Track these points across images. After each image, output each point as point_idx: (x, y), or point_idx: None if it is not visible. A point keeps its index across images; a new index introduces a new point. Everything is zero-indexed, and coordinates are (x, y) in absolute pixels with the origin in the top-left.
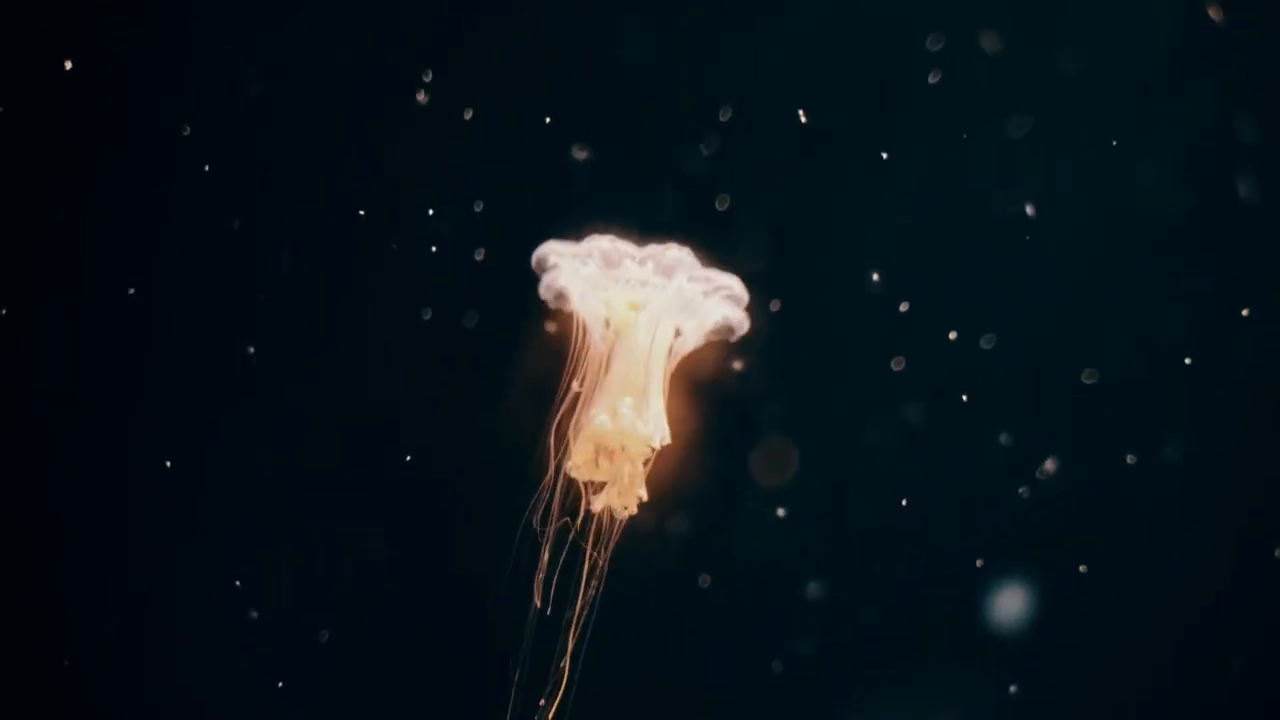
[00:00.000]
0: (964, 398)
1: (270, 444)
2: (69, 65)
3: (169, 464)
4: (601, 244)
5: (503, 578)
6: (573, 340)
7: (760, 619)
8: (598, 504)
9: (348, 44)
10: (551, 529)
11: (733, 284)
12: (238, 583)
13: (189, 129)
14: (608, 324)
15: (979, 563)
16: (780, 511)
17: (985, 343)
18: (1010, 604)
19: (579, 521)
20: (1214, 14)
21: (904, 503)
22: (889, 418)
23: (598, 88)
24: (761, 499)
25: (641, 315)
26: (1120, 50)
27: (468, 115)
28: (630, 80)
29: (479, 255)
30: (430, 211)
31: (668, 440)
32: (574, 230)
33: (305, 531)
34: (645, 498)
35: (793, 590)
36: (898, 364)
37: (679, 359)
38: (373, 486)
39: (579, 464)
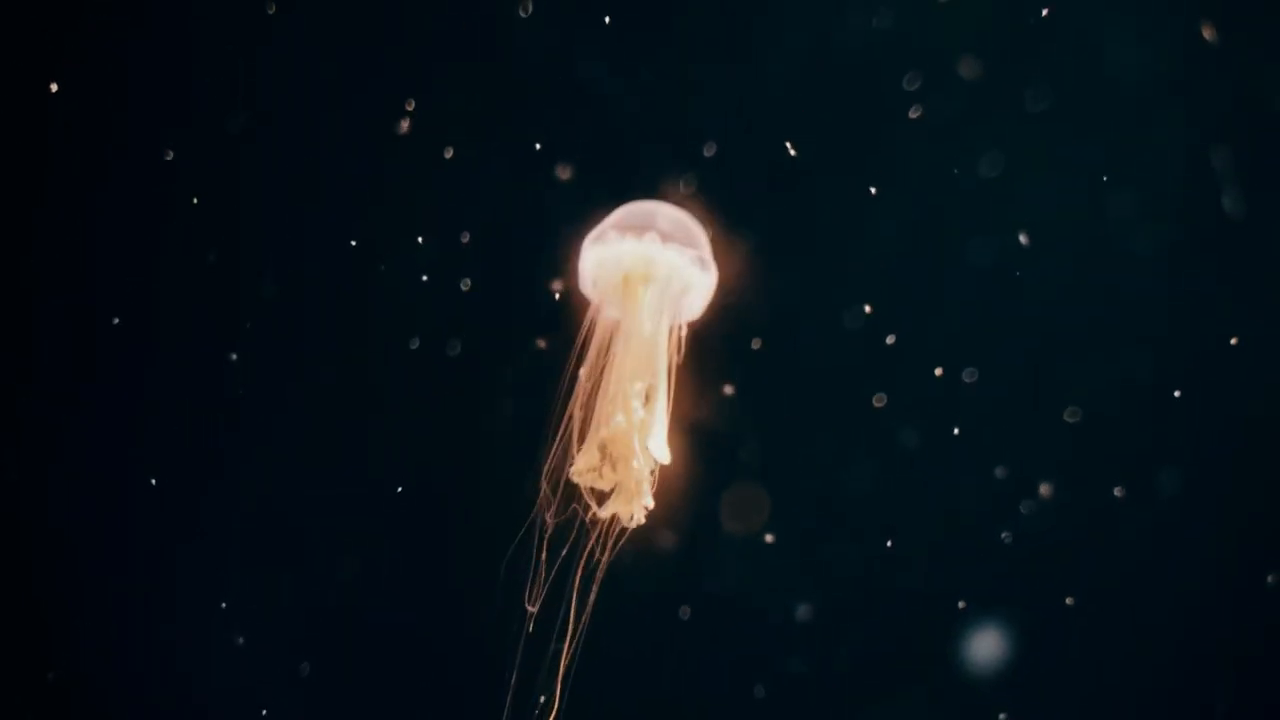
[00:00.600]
0: (955, 430)
1: (263, 456)
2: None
3: (154, 481)
4: (620, 212)
5: (497, 594)
6: (583, 327)
7: (741, 652)
8: (604, 511)
9: (333, 70)
10: (547, 539)
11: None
12: (223, 604)
13: (173, 154)
14: (616, 301)
15: (961, 604)
16: (769, 537)
17: (967, 376)
18: (995, 640)
19: (572, 538)
20: (1207, 34)
21: (889, 543)
22: (873, 453)
23: (583, 123)
24: (743, 534)
25: (650, 290)
26: (1105, 84)
27: (448, 154)
28: (616, 115)
29: (465, 285)
30: (419, 239)
31: (667, 459)
32: (559, 259)
33: (299, 545)
34: (652, 505)
35: (776, 625)
36: (879, 400)
37: (677, 353)
38: (365, 506)
39: (583, 469)
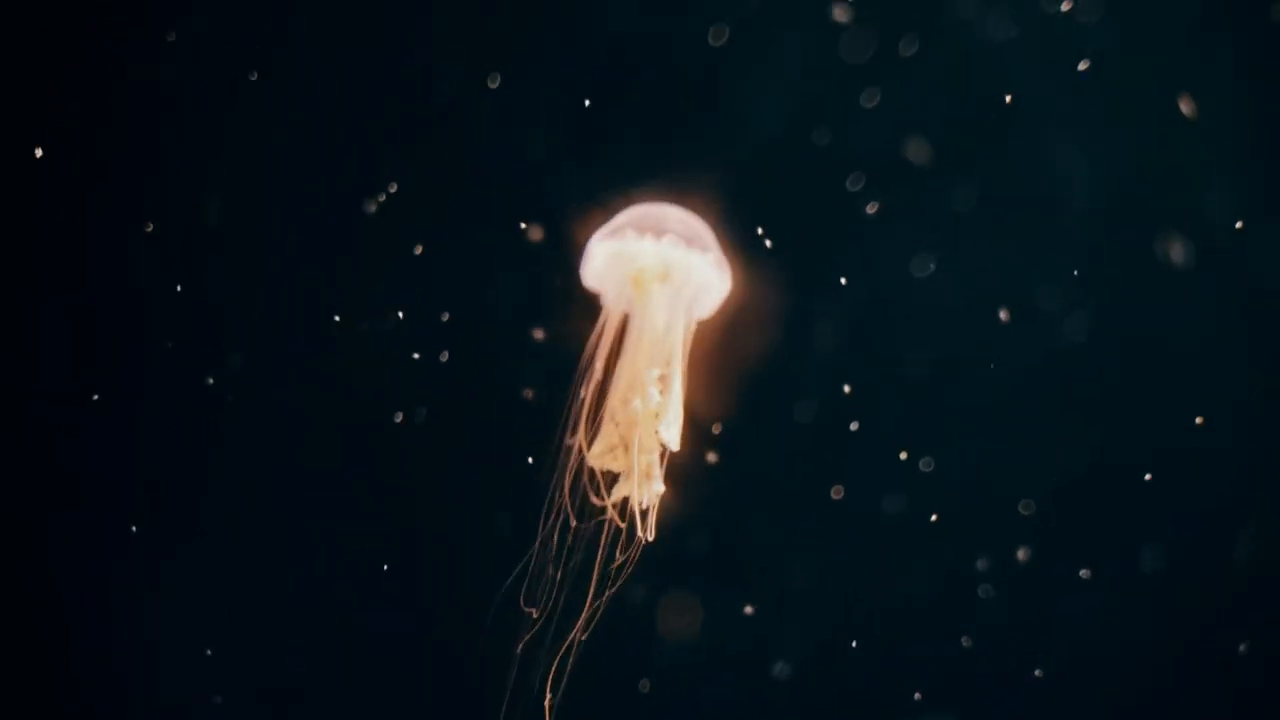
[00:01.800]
0: (933, 517)
1: (260, 467)
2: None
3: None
4: (633, 212)
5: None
6: (599, 324)
7: None
8: (616, 495)
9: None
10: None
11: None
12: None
13: (153, 225)
14: (629, 300)
15: (916, 696)
16: (749, 607)
17: (924, 465)
18: None
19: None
20: (1185, 108)
21: (852, 642)
22: (831, 543)
23: (560, 209)
24: (694, 624)
25: (663, 288)
26: (1065, 175)
27: (417, 250)
28: (591, 207)
29: (444, 357)
30: (400, 314)
31: (675, 446)
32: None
33: (295, 558)
34: (663, 489)
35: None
36: (837, 493)
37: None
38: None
39: (599, 453)
